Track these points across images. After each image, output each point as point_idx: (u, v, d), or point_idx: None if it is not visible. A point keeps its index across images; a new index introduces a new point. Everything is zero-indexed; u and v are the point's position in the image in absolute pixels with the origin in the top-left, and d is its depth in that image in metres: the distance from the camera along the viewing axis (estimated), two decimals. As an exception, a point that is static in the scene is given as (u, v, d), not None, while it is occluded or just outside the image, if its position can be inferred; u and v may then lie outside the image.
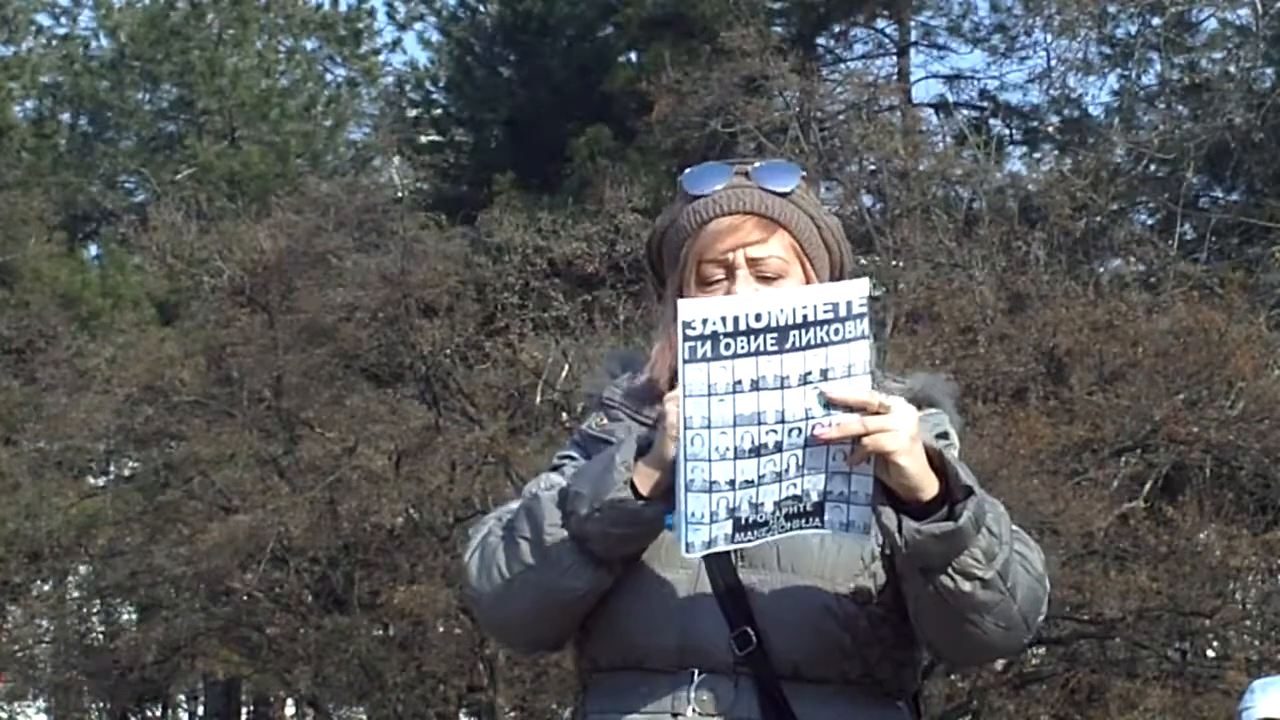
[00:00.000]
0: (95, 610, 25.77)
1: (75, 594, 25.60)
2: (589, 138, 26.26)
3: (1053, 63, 26.45)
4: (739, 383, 2.77)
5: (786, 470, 2.82)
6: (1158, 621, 18.62)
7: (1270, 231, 23.89)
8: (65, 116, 33.77)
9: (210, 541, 20.16)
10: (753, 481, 2.80)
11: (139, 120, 33.31)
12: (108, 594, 24.51)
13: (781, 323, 2.77)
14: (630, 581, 3.00)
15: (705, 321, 2.76)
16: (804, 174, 3.18)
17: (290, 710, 28.41)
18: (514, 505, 3.06)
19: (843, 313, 2.79)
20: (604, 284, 20.53)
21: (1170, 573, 18.02)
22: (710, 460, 2.78)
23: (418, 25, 34.14)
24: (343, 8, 34.20)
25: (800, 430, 2.80)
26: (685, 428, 2.77)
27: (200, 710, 31.02)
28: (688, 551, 2.82)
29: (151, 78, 32.95)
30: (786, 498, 2.84)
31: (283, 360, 21.13)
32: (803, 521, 2.86)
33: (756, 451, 2.79)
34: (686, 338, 2.76)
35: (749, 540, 2.85)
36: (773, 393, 2.78)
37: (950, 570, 2.89)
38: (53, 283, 27.04)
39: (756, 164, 3.15)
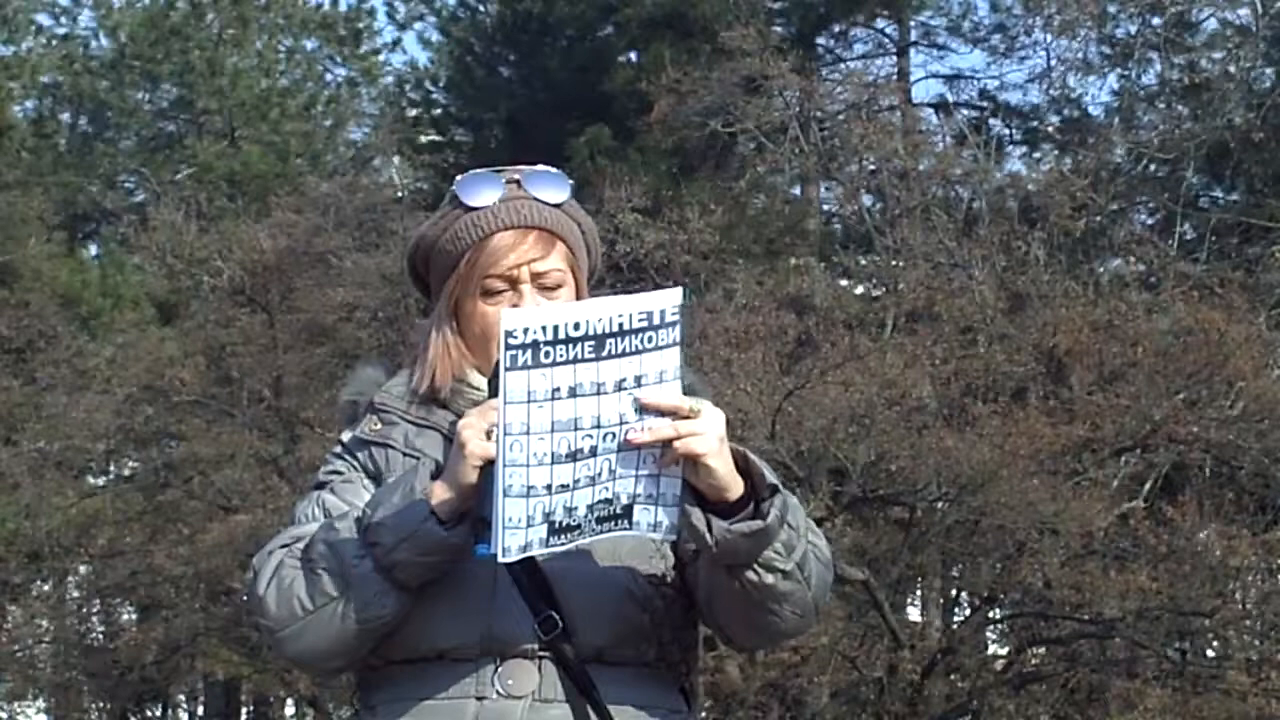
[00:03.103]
0: (95, 610, 25.75)
1: (75, 594, 25.59)
2: (589, 138, 26.22)
3: (1053, 63, 26.45)
4: (557, 389, 2.81)
5: (600, 474, 2.87)
6: (1158, 621, 18.61)
7: (1270, 231, 23.89)
8: (65, 116, 33.74)
9: (210, 541, 20.17)
10: (568, 486, 2.85)
11: (139, 120, 33.29)
12: (108, 594, 24.50)
13: (599, 331, 2.84)
14: (431, 580, 3.02)
15: (526, 330, 2.80)
16: (572, 183, 3.26)
17: (290, 710, 28.41)
18: (298, 531, 3.06)
19: (656, 321, 2.86)
20: (603, 284, 20.49)
21: (1170, 572, 18.03)
22: (529, 466, 2.82)
23: (418, 25, 34.15)
24: (343, 8, 34.19)
25: (614, 435, 2.85)
26: (505, 434, 2.80)
27: (200, 710, 31.01)
28: (504, 556, 2.84)
29: (151, 78, 32.93)
30: (599, 501, 2.88)
31: (283, 360, 21.14)
32: (613, 524, 2.91)
33: (573, 456, 2.83)
34: (509, 346, 2.79)
35: (562, 544, 2.88)
36: (589, 399, 2.83)
37: (755, 565, 2.97)
38: (53, 283, 27.00)
39: (526, 172, 3.24)
